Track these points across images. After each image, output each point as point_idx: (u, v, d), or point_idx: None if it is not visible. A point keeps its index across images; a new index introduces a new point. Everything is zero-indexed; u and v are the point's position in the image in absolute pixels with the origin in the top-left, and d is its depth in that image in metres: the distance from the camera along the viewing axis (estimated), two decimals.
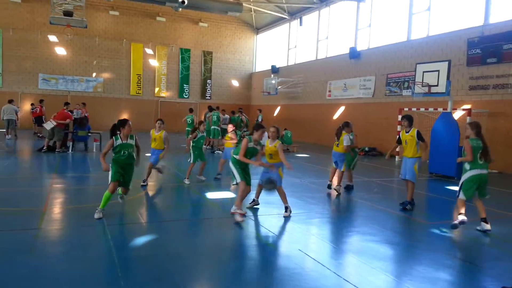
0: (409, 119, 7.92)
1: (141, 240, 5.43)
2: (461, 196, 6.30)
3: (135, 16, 28.39)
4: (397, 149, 8.02)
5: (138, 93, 28.86)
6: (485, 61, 14.05)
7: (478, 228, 6.30)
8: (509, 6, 13.89)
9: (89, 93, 27.35)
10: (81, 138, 15.19)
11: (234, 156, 6.63)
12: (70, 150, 14.65)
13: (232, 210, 6.54)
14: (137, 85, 28.81)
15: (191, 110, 18.26)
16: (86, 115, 21.54)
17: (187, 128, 17.52)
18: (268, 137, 6.92)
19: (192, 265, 4.64)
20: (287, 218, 6.68)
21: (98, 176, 10.56)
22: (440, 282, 4.38)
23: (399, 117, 16.09)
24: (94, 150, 15.20)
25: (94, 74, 27.60)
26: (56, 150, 14.25)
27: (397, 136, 8.30)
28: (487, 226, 6.22)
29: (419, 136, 7.69)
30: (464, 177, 6.36)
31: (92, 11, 26.54)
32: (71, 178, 10.37)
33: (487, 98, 14.09)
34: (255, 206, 7.33)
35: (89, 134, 15.60)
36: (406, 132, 7.93)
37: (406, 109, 15.95)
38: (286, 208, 6.84)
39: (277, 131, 6.85)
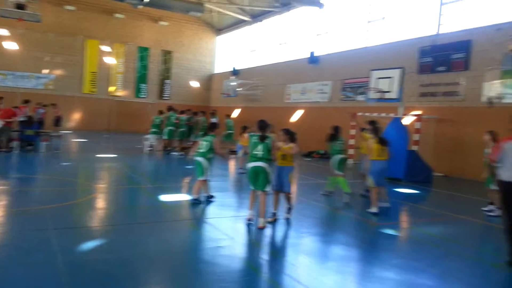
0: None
1: (89, 244, 5.23)
2: None
3: (93, 12, 27.43)
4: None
5: (92, 92, 27.87)
6: (436, 69, 14.73)
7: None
8: (459, 17, 14.66)
9: (40, 91, 26.01)
10: (29, 138, 14.42)
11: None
12: (15, 150, 13.88)
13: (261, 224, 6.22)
14: (91, 83, 27.82)
15: (160, 112, 17.45)
16: (59, 115, 20.49)
17: (152, 129, 16.81)
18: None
19: (143, 270, 4.52)
20: (240, 221, 6.64)
21: (44, 178, 10.09)
22: (388, 281, 4.53)
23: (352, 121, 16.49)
24: (43, 151, 14.49)
25: (46, 71, 26.34)
26: (0, 149, 13.47)
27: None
28: None
29: None
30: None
31: (46, 5, 25.29)
32: (15, 179, 9.81)
33: (436, 104, 14.77)
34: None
35: (39, 133, 14.82)
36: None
37: (360, 113, 16.40)
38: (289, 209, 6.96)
39: (287, 134, 6.75)
